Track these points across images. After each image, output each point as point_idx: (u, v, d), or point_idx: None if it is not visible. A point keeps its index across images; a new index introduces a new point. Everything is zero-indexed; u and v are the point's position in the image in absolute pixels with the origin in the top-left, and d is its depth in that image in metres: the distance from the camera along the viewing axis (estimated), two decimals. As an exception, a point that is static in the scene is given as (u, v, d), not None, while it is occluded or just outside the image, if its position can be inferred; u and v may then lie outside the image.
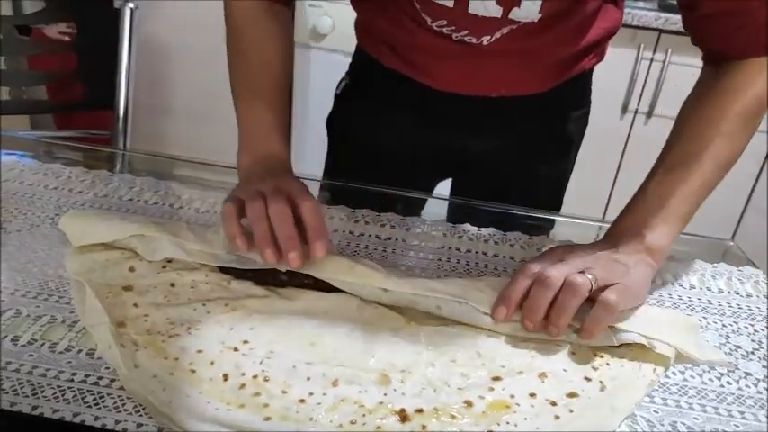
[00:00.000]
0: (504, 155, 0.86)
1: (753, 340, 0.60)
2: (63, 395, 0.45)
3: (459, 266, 0.67)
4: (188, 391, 0.46)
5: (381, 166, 0.87)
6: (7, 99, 1.32)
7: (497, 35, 0.70)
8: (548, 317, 0.54)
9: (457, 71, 0.77)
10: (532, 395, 0.48)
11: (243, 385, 0.47)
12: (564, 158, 0.89)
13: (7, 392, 0.45)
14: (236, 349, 0.50)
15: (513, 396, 0.48)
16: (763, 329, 0.62)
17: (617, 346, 0.54)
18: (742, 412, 0.51)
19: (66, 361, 0.48)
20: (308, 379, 0.48)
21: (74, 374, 0.47)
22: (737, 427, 0.49)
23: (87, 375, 0.47)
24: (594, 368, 0.52)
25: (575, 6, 0.68)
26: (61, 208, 0.70)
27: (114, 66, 1.27)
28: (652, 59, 1.79)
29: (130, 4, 1.26)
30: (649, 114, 1.84)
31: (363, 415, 0.45)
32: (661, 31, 1.75)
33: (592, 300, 0.54)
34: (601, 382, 0.50)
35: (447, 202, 0.88)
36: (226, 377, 0.47)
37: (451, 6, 0.67)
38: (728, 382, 0.54)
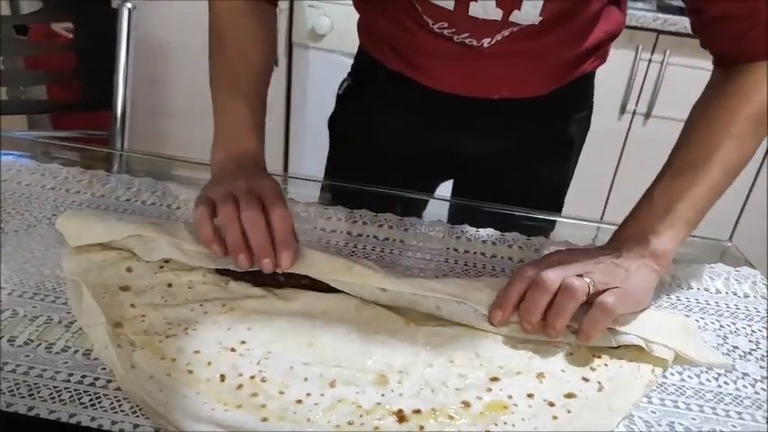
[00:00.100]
0: (506, 157, 0.86)
1: (750, 341, 0.60)
2: (59, 396, 0.45)
3: (457, 267, 0.67)
4: (185, 391, 0.45)
5: (383, 167, 0.87)
6: (5, 99, 1.32)
7: (498, 37, 0.69)
8: (545, 319, 0.54)
9: (458, 73, 0.77)
10: (530, 396, 0.48)
11: (240, 386, 0.47)
12: (565, 161, 0.89)
13: (3, 393, 0.45)
14: (233, 350, 0.50)
15: (510, 397, 0.48)
16: (760, 330, 0.62)
17: (615, 347, 0.54)
18: (739, 413, 0.51)
19: (63, 361, 0.48)
20: (306, 380, 0.48)
21: (70, 375, 0.47)
22: (735, 427, 0.49)
23: (84, 376, 0.47)
24: (592, 369, 0.52)
25: (576, 9, 0.68)
26: (58, 208, 0.70)
27: (112, 66, 1.27)
28: (650, 60, 1.79)
29: (128, 4, 1.26)
30: (647, 115, 1.84)
31: (361, 416, 0.45)
32: (659, 32, 1.75)
33: (591, 304, 0.53)
34: (599, 382, 0.50)
35: (448, 204, 0.88)
36: (223, 378, 0.47)
37: (452, 9, 0.67)
38: (726, 383, 0.54)
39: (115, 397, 0.45)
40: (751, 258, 0.76)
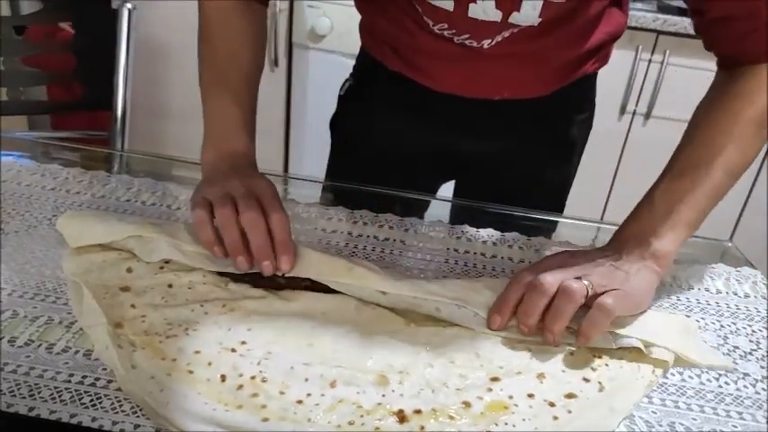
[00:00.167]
0: (507, 158, 0.86)
1: (751, 341, 0.60)
2: (60, 396, 0.45)
3: (457, 267, 0.67)
4: (186, 392, 0.45)
5: (384, 168, 0.87)
6: (5, 99, 1.32)
7: (498, 38, 0.69)
8: (543, 322, 0.53)
9: (459, 74, 0.77)
10: (531, 396, 0.48)
11: (240, 386, 0.47)
12: (567, 162, 0.89)
13: (4, 394, 0.45)
14: (233, 350, 0.50)
15: (511, 397, 0.48)
16: (761, 330, 0.62)
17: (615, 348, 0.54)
18: (740, 413, 0.51)
19: (64, 362, 0.48)
20: (306, 380, 0.48)
21: (71, 375, 0.47)
22: (736, 427, 0.49)
23: (84, 376, 0.47)
24: (593, 369, 0.52)
25: (576, 10, 0.68)
26: (59, 209, 0.70)
27: (112, 66, 1.27)
28: (650, 61, 1.79)
29: (128, 5, 1.26)
30: (647, 115, 1.84)
31: (361, 416, 0.45)
32: (659, 33, 1.75)
33: (589, 307, 0.53)
34: (599, 382, 0.50)
35: (449, 205, 0.88)
36: (223, 378, 0.47)
37: (451, 10, 0.67)
38: (727, 383, 0.54)
39: (116, 397, 0.45)
40: (751, 258, 0.76)
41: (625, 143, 1.88)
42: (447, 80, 0.78)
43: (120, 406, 0.45)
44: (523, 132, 0.83)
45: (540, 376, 0.50)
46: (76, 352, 0.49)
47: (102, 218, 0.63)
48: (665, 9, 1.78)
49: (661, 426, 0.49)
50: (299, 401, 0.46)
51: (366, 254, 0.68)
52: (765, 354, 0.58)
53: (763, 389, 0.54)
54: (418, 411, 0.46)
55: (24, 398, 0.45)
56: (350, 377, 0.48)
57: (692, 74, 1.68)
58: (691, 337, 0.58)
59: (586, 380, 0.51)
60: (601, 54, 0.80)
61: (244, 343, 0.51)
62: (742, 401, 0.52)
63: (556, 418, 0.47)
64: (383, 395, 0.47)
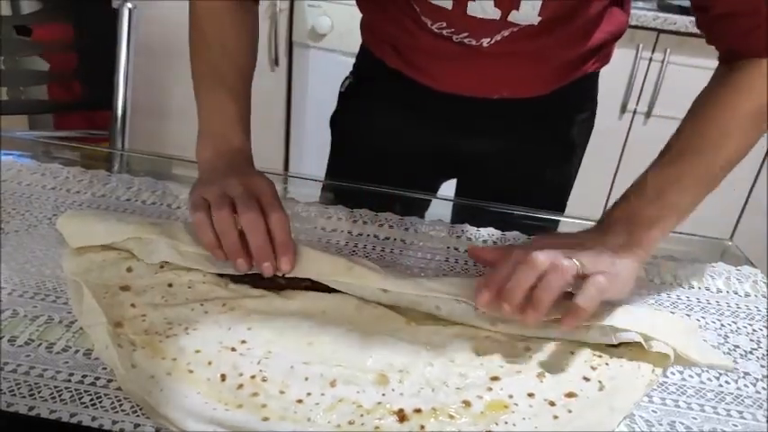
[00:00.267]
0: (508, 157, 0.86)
1: (751, 340, 0.60)
2: (60, 396, 0.45)
3: (457, 266, 0.67)
4: (186, 391, 0.45)
5: (384, 166, 0.87)
6: (5, 99, 1.32)
7: (498, 37, 0.69)
8: (531, 297, 0.52)
9: (458, 73, 0.77)
10: (531, 395, 0.48)
11: (241, 385, 0.47)
12: (568, 162, 0.89)
13: (4, 393, 0.45)
14: (233, 349, 0.50)
15: (511, 396, 0.48)
16: (761, 329, 0.62)
17: (616, 346, 0.54)
18: (740, 412, 0.51)
19: (64, 361, 0.48)
20: (306, 379, 0.48)
21: (71, 375, 0.47)
22: (736, 426, 0.49)
23: (84, 376, 0.47)
24: (593, 368, 0.52)
25: (576, 9, 0.68)
26: (59, 208, 0.70)
27: (112, 66, 1.27)
28: (651, 59, 1.79)
29: (129, 4, 1.26)
30: (648, 114, 1.84)
31: (361, 415, 0.45)
32: (660, 31, 1.75)
33: (573, 295, 0.53)
34: (599, 381, 0.50)
35: (450, 204, 0.88)
36: (224, 377, 0.47)
37: (450, 8, 0.67)
38: (727, 382, 0.54)
39: (116, 397, 0.46)
40: (752, 257, 0.76)
41: (626, 142, 1.88)
42: (447, 79, 0.78)
43: (121, 405, 0.45)
44: (524, 132, 0.83)
45: (540, 375, 0.50)
46: (76, 351, 0.49)
47: (103, 217, 0.63)
48: (665, 8, 1.78)
49: (661, 425, 0.49)
50: (299, 401, 0.46)
51: (366, 253, 0.68)
52: (766, 353, 0.58)
53: (764, 388, 0.53)
54: (418, 410, 0.46)
55: (24, 397, 0.45)
56: (350, 376, 0.48)
57: (693, 72, 1.68)
58: (691, 336, 0.57)
59: (586, 379, 0.51)
60: (602, 53, 0.80)
61: (244, 342, 0.51)
62: (742, 400, 0.52)
63: (556, 417, 0.47)
64: (383, 394, 0.47)
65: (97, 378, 0.47)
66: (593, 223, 0.82)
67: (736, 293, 0.67)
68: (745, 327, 0.62)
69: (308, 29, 1.88)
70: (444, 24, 0.69)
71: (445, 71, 0.77)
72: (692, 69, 1.72)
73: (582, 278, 0.53)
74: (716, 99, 0.63)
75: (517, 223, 0.77)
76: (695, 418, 0.50)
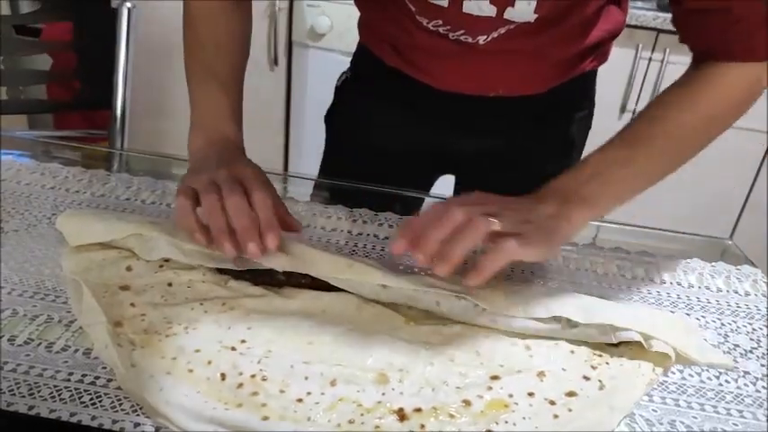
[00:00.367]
0: (506, 155, 0.86)
1: (751, 339, 0.60)
2: (60, 395, 0.45)
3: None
4: (185, 390, 0.45)
5: (379, 163, 0.87)
6: (5, 99, 1.32)
7: (494, 35, 0.69)
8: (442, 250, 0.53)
9: (455, 70, 0.77)
10: (531, 394, 0.48)
11: (241, 385, 0.46)
12: (566, 160, 0.89)
13: (4, 392, 0.45)
14: (233, 349, 0.50)
15: (511, 395, 0.48)
16: (761, 328, 0.62)
17: (616, 345, 0.54)
18: (740, 411, 0.51)
19: (63, 361, 0.48)
20: (306, 378, 0.48)
21: (71, 374, 0.47)
22: (736, 425, 0.49)
23: (84, 375, 0.47)
24: (593, 367, 0.52)
25: (573, 7, 0.68)
26: (58, 207, 0.70)
27: (112, 66, 1.27)
28: (650, 59, 1.79)
29: (128, 4, 1.26)
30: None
31: (362, 414, 0.45)
32: (659, 31, 1.75)
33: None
34: (600, 381, 0.50)
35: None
36: (223, 377, 0.47)
37: (446, 6, 0.67)
38: (727, 381, 0.54)
39: (116, 396, 0.45)
40: (751, 257, 0.76)
41: (625, 142, 1.88)
42: (444, 77, 0.78)
43: (120, 405, 0.45)
44: (522, 130, 0.83)
45: (541, 374, 0.50)
46: (76, 350, 0.49)
47: (102, 216, 0.63)
48: (665, 7, 1.78)
49: (661, 424, 0.49)
50: (299, 400, 0.46)
51: (366, 252, 0.68)
52: (766, 352, 0.58)
53: (764, 387, 0.53)
54: (418, 410, 0.46)
55: (24, 396, 0.44)
56: (350, 376, 0.48)
57: (693, 72, 1.67)
58: (691, 335, 0.57)
59: (587, 378, 0.51)
60: (599, 52, 0.80)
61: (244, 341, 0.51)
62: (742, 400, 0.52)
63: (556, 416, 0.47)
64: (383, 393, 0.47)
65: (97, 377, 0.47)
66: (592, 223, 0.83)
67: (736, 293, 0.67)
68: (745, 326, 0.62)
69: (308, 29, 1.88)
70: (440, 22, 0.70)
71: (442, 69, 0.77)
72: (691, 69, 1.72)
73: (499, 236, 0.54)
74: (675, 98, 0.64)
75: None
76: (695, 417, 0.49)
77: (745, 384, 0.54)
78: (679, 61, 1.76)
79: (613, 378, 0.51)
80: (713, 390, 0.53)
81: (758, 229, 1.87)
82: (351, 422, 0.44)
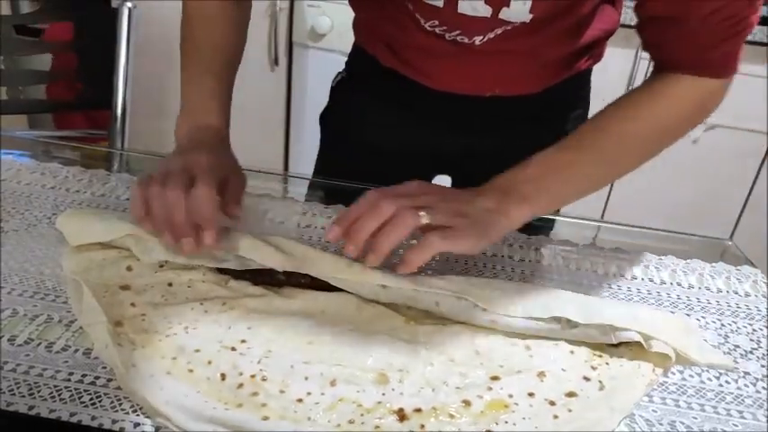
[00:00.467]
0: (501, 155, 0.86)
1: (751, 339, 0.60)
2: (60, 395, 0.45)
3: (457, 266, 0.67)
4: (186, 390, 0.45)
5: (377, 163, 0.87)
6: (5, 99, 1.32)
7: (490, 35, 0.69)
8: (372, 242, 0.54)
9: (451, 70, 0.77)
10: (531, 395, 0.48)
11: (241, 385, 0.46)
12: None
13: (4, 392, 0.45)
14: (233, 349, 0.50)
15: (511, 396, 0.48)
16: (761, 329, 0.62)
17: (616, 346, 0.54)
18: (741, 412, 0.51)
19: (63, 360, 0.48)
20: (306, 378, 0.48)
21: (71, 374, 0.47)
22: (736, 426, 0.49)
23: (84, 375, 0.47)
24: (593, 368, 0.52)
25: (569, 7, 0.68)
26: (58, 207, 0.70)
27: (112, 66, 1.27)
28: (650, 60, 1.79)
29: (128, 4, 1.26)
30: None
31: (362, 414, 0.45)
32: (659, 31, 1.75)
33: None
34: (600, 381, 0.50)
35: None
36: (223, 377, 0.47)
37: (441, 6, 0.67)
38: (727, 382, 0.54)
39: (116, 396, 0.45)
40: (751, 257, 0.76)
41: (625, 142, 1.88)
42: (440, 77, 0.78)
43: (120, 405, 0.45)
44: (517, 129, 0.83)
45: (541, 375, 0.50)
46: (76, 350, 0.49)
47: (102, 216, 0.63)
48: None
49: (661, 424, 0.49)
50: (299, 400, 0.46)
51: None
52: (766, 352, 0.58)
53: (764, 388, 0.53)
54: (418, 410, 0.46)
55: (24, 396, 0.44)
56: (350, 376, 0.48)
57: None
58: (691, 335, 0.57)
59: (587, 378, 0.51)
60: (594, 52, 0.80)
61: (244, 341, 0.51)
62: (742, 400, 0.52)
63: (556, 416, 0.47)
64: (383, 394, 0.47)
65: (97, 377, 0.47)
66: (592, 223, 0.83)
67: (736, 293, 0.67)
68: (746, 326, 0.62)
69: (308, 29, 1.88)
70: (437, 22, 0.70)
71: (438, 69, 0.77)
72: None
73: (430, 229, 0.55)
74: (626, 106, 0.65)
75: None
76: (695, 418, 0.49)
77: (746, 385, 0.54)
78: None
79: (613, 378, 0.51)
80: (713, 390, 0.53)
81: (758, 230, 1.87)
82: (351, 422, 0.44)
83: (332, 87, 0.93)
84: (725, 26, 0.58)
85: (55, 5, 1.38)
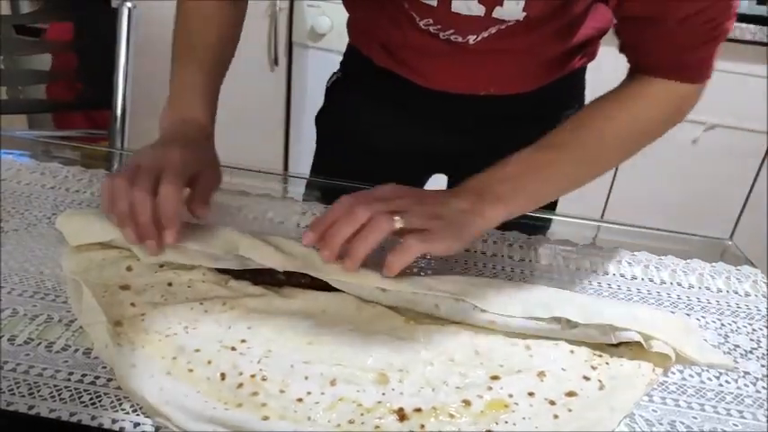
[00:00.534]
0: (497, 154, 0.86)
1: (751, 339, 0.60)
2: (60, 395, 0.45)
3: (457, 266, 0.67)
4: (185, 390, 0.45)
5: (372, 163, 0.87)
6: (5, 99, 1.32)
7: (484, 34, 0.70)
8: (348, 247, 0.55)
9: (446, 70, 0.77)
10: (531, 394, 0.48)
11: (241, 385, 0.46)
12: None
13: (4, 392, 0.45)
14: (233, 348, 0.50)
15: (511, 395, 0.48)
16: (761, 329, 0.62)
17: (616, 345, 0.54)
18: (741, 411, 0.51)
19: (63, 360, 0.48)
20: (306, 378, 0.48)
21: (70, 374, 0.47)
22: (736, 426, 0.49)
23: (84, 375, 0.47)
24: (593, 367, 0.52)
25: (562, 6, 0.68)
26: (58, 207, 0.70)
27: (112, 66, 1.27)
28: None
29: (128, 4, 1.26)
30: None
31: (362, 414, 0.45)
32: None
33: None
34: (600, 381, 0.50)
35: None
36: (223, 376, 0.47)
37: (435, 5, 0.67)
38: (727, 382, 0.54)
39: (116, 396, 0.45)
40: (751, 257, 0.76)
41: (625, 142, 1.88)
42: (435, 76, 0.78)
43: (120, 404, 0.45)
44: (512, 128, 0.83)
45: (541, 375, 0.50)
46: (76, 350, 0.49)
47: (102, 216, 0.63)
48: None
49: (661, 424, 0.49)
50: (299, 400, 0.46)
51: (366, 252, 0.68)
52: (766, 352, 0.58)
53: (764, 387, 0.53)
54: (418, 410, 0.46)
55: (24, 396, 0.44)
56: (350, 375, 0.48)
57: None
58: (691, 335, 0.57)
59: (587, 378, 0.51)
60: (588, 50, 0.80)
61: (244, 341, 0.51)
62: (742, 400, 0.52)
63: (556, 416, 0.47)
64: (383, 393, 0.47)
65: (97, 377, 0.47)
66: (591, 222, 0.83)
67: (736, 293, 0.67)
68: (746, 326, 0.62)
69: (308, 29, 1.88)
70: (431, 21, 0.70)
71: (433, 68, 0.78)
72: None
73: (407, 233, 0.55)
74: (602, 108, 0.66)
75: (517, 223, 0.76)
76: (695, 418, 0.49)
77: (746, 385, 0.54)
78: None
79: (613, 378, 0.51)
80: (713, 390, 0.53)
81: (758, 230, 1.87)
82: (351, 422, 0.44)
83: (327, 88, 0.93)
84: (701, 30, 0.59)
85: (55, 5, 1.38)
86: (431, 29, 0.71)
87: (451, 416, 0.46)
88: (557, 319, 0.54)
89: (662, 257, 0.72)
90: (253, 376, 0.47)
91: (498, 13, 0.66)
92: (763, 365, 0.56)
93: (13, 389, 0.45)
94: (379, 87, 0.85)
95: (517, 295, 0.57)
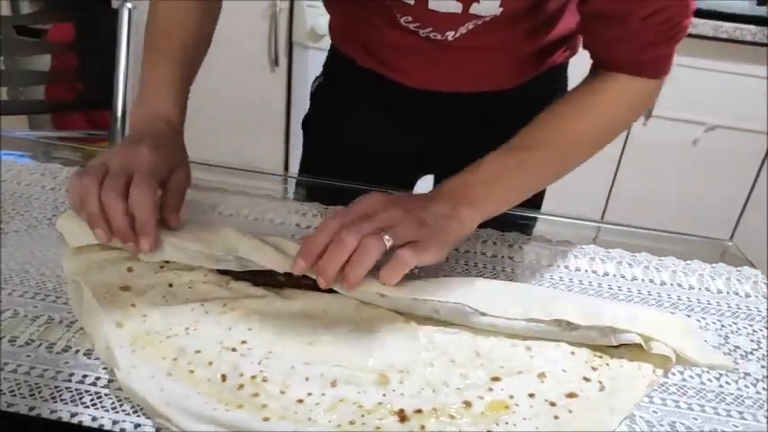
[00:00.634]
0: (482, 151, 0.86)
1: (752, 340, 0.60)
2: (60, 396, 0.45)
3: (457, 267, 0.67)
4: (186, 391, 0.45)
5: (359, 164, 0.87)
6: (5, 99, 1.32)
7: (462, 30, 0.70)
8: (343, 272, 0.55)
9: (427, 67, 0.77)
10: (531, 395, 0.48)
11: (241, 386, 0.46)
12: None
13: (4, 393, 0.45)
14: (234, 349, 0.50)
15: (512, 396, 0.48)
16: (761, 330, 0.62)
17: (616, 347, 0.54)
18: (741, 412, 0.51)
19: (64, 361, 0.48)
20: (307, 379, 0.48)
21: (71, 375, 0.47)
22: (736, 427, 0.49)
23: (85, 376, 0.47)
24: (594, 368, 0.52)
25: (539, 1, 0.69)
26: (59, 208, 0.70)
27: (112, 66, 1.27)
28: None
29: (128, 5, 1.26)
30: (648, 115, 1.84)
31: (362, 415, 0.45)
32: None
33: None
34: (600, 382, 0.50)
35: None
36: (224, 377, 0.47)
37: (412, 3, 0.67)
38: (727, 383, 0.54)
39: (116, 397, 0.46)
40: (752, 258, 0.76)
41: (625, 142, 1.88)
42: (417, 74, 0.78)
43: (121, 405, 0.45)
44: (497, 125, 0.83)
45: (541, 376, 0.50)
46: (77, 351, 0.49)
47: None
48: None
49: (662, 425, 0.49)
50: (300, 401, 0.46)
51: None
52: (766, 353, 0.58)
53: (764, 388, 0.53)
54: (419, 411, 0.46)
55: (25, 397, 0.44)
56: (350, 376, 0.48)
57: (693, 73, 1.67)
58: (691, 336, 0.57)
59: (587, 379, 0.51)
60: (570, 44, 0.80)
61: (244, 342, 0.51)
62: (743, 401, 0.52)
63: (557, 417, 0.47)
64: (384, 394, 0.47)
65: (98, 378, 0.47)
66: (591, 223, 0.83)
67: (736, 294, 0.67)
68: (746, 327, 0.62)
69: (308, 29, 1.88)
70: (410, 18, 0.70)
71: (414, 66, 0.78)
72: (691, 70, 1.72)
73: (396, 247, 0.55)
74: (567, 107, 0.67)
75: (517, 223, 0.77)
76: (696, 419, 0.50)
77: (746, 386, 0.54)
78: (679, 62, 1.76)
79: (614, 379, 0.51)
80: (714, 391, 0.53)
81: (758, 230, 1.88)
82: (351, 423, 0.44)
83: (311, 93, 0.93)
84: (662, 29, 0.61)
85: (55, 6, 1.38)
86: (410, 26, 0.71)
87: (452, 417, 0.46)
88: (557, 321, 0.54)
89: (662, 258, 0.72)
90: (253, 377, 0.47)
91: (475, 9, 0.66)
92: (763, 366, 0.56)
93: (13, 390, 0.45)
94: (361, 88, 0.85)
95: (517, 297, 0.57)
